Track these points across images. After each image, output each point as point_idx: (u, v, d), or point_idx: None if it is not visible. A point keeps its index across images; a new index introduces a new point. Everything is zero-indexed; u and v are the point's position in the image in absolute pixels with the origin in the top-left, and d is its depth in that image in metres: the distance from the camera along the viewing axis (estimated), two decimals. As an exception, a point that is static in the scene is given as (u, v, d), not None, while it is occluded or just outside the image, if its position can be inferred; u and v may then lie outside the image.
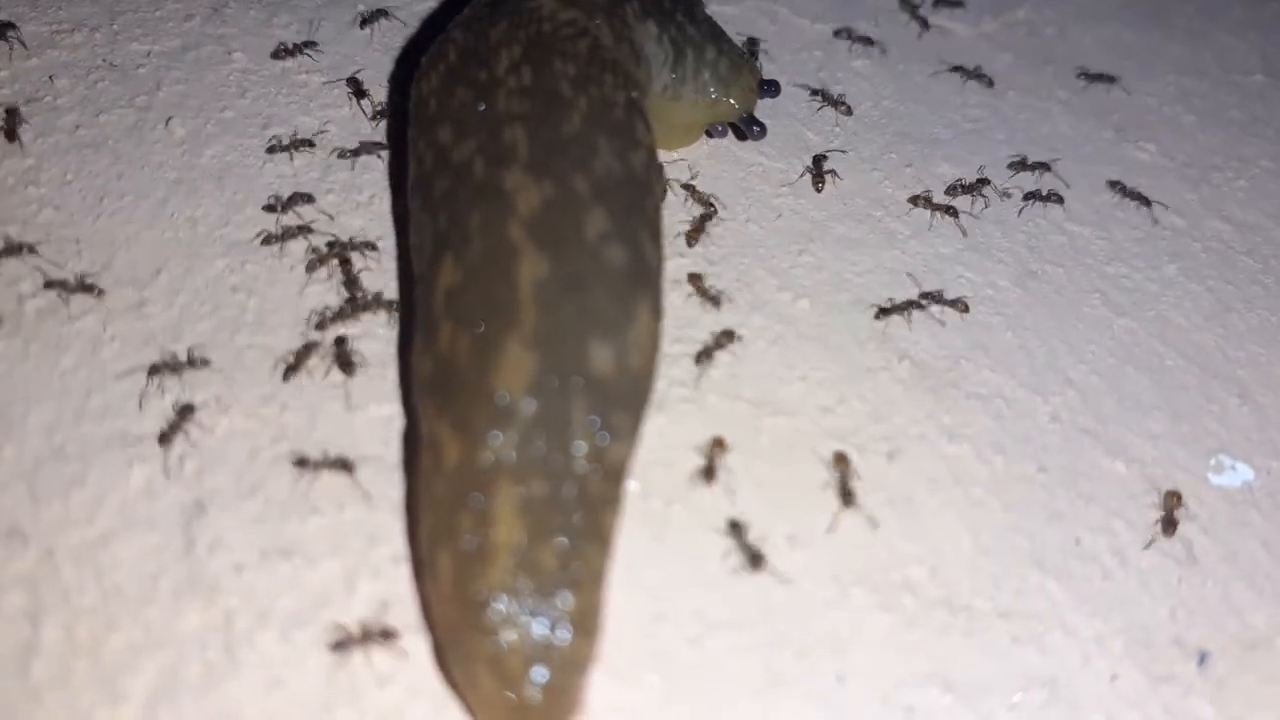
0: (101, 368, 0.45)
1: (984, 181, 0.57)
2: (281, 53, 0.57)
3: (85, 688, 0.37)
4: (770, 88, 0.57)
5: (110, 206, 0.50)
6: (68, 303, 0.46)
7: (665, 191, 0.51)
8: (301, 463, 0.42)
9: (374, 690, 0.38)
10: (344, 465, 0.42)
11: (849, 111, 0.60)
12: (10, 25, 0.57)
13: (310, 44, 0.57)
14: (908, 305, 0.50)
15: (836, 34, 0.65)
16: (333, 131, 0.55)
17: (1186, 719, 0.41)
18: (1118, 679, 0.41)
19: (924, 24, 0.66)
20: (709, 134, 0.57)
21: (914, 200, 0.55)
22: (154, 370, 0.44)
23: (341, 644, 0.39)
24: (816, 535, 0.43)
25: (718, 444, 0.44)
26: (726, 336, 0.48)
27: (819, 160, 0.57)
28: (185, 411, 0.42)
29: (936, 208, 0.55)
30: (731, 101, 0.55)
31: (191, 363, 0.44)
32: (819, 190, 0.56)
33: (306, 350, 0.45)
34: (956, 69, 0.64)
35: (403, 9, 0.63)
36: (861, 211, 0.55)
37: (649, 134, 0.45)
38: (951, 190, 0.56)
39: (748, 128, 0.56)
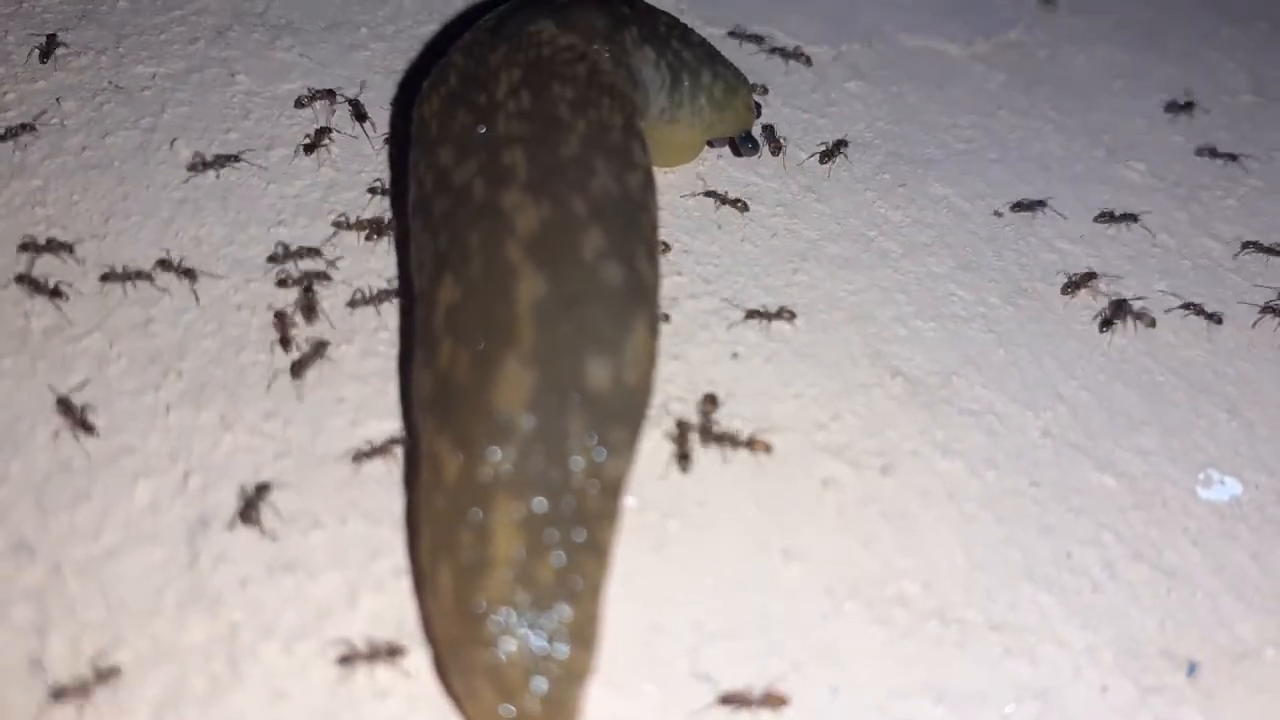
0: (108, 385, 0.45)
1: (842, 143, 0.59)
2: (303, 101, 0.58)
3: (91, 700, 0.38)
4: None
5: (116, 226, 0.51)
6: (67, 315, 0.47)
7: (666, 249, 0.53)
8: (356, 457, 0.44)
9: (375, 702, 0.39)
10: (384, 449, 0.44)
11: (764, 90, 0.63)
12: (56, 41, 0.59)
13: (332, 92, 0.58)
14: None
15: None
16: (335, 152, 0.56)
17: (1176, 729, 0.41)
18: (1108, 690, 0.41)
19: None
20: (710, 144, 0.58)
21: (1068, 289, 0.54)
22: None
23: (348, 658, 0.39)
24: (811, 549, 0.44)
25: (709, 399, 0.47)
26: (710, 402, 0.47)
27: (771, 129, 0.60)
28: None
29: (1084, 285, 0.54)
30: (728, 121, 0.56)
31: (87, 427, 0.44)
32: (775, 155, 0.59)
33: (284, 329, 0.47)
34: (771, 47, 0.66)
35: (404, 33, 0.64)
36: (855, 231, 0.56)
37: (645, 155, 0.46)
38: (1069, 289, 0.54)
39: (742, 144, 0.58)
